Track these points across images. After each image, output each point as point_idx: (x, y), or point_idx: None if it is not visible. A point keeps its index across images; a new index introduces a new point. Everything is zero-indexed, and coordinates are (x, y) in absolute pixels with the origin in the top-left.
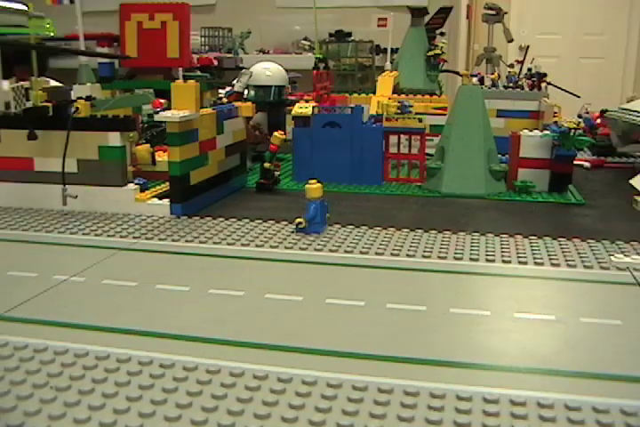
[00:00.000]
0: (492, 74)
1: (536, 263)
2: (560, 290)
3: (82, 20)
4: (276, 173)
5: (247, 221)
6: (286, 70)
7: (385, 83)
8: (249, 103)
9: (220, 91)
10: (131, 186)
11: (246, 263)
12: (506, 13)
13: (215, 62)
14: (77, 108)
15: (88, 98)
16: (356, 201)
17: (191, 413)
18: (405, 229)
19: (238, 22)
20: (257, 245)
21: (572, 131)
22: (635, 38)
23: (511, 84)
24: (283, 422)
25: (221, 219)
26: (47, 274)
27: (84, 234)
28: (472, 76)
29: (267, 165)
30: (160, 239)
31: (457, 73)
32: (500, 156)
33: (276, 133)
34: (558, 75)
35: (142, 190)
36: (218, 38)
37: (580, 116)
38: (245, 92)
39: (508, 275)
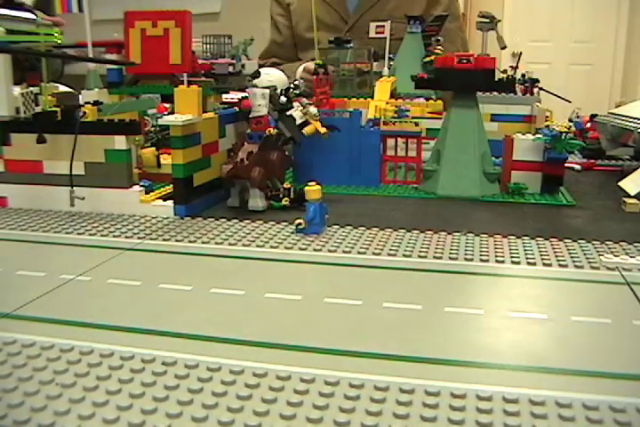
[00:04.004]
0: None
1: (529, 263)
2: (552, 289)
3: (90, 28)
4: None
5: (248, 222)
6: (287, 76)
7: (383, 88)
8: None
9: (224, 95)
10: (136, 188)
11: (247, 263)
12: (499, 21)
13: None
14: (85, 113)
15: (95, 103)
16: (355, 202)
17: (191, 410)
18: (402, 230)
19: (242, 30)
20: (258, 246)
21: (564, 134)
22: (622, 46)
23: None
24: (280, 419)
25: (223, 220)
26: (54, 273)
27: (90, 234)
28: None
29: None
30: (164, 240)
31: None
32: (493, 158)
33: None
34: (549, 81)
35: (147, 192)
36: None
37: (570, 121)
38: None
39: (502, 274)
